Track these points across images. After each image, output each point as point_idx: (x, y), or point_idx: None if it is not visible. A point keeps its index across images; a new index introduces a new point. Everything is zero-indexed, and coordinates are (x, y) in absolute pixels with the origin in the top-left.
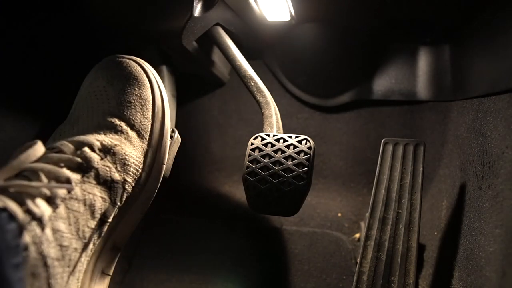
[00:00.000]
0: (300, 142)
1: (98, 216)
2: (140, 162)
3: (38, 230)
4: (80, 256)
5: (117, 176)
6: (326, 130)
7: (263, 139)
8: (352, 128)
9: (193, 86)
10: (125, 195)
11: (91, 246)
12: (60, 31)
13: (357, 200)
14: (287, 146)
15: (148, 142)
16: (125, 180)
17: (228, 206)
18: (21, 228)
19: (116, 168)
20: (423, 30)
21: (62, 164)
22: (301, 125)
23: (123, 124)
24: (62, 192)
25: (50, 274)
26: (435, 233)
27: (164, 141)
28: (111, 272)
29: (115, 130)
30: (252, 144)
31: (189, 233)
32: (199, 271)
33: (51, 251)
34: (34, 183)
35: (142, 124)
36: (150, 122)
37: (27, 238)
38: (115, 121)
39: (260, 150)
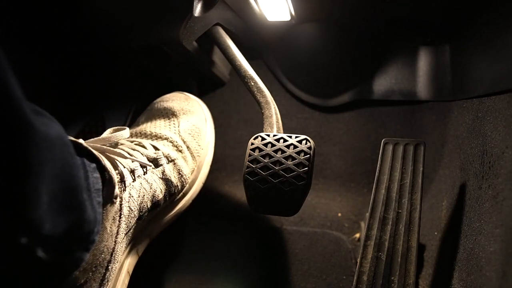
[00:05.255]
0: (300, 142)
1: (155, 200)
2: (188, 177)
3: (122, 189)
4: (135, 224)
5: (173, 179)
6: (326, 130)
7: (263, 139)
8: (352, 128)
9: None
10: (172, 197)
11: (141, 220)
12: (59, 30)
13: (357, 200)
14: (287, 146)
15: (197, 164)
16: (176, 185)
17: (228, 206)
18: (104, 180)
19: (173, 174)
20: (423, 30)
21: (142, 153)
22: (301, 125)
23: (184, 147)
24: (141, 170)
25: (121, 225)
26: (435, 233)
27: (207, 165)
28: (140, 253)
29: (178, 149)
30: (252, 144)
31: (188, 233)
32: (199, 271)
33: (124, 209)
34: (127, 155)
35: (195, 150)
36: (202, 149)
37: (116, 190)
38: (179, 142)
39: (260, 150)
